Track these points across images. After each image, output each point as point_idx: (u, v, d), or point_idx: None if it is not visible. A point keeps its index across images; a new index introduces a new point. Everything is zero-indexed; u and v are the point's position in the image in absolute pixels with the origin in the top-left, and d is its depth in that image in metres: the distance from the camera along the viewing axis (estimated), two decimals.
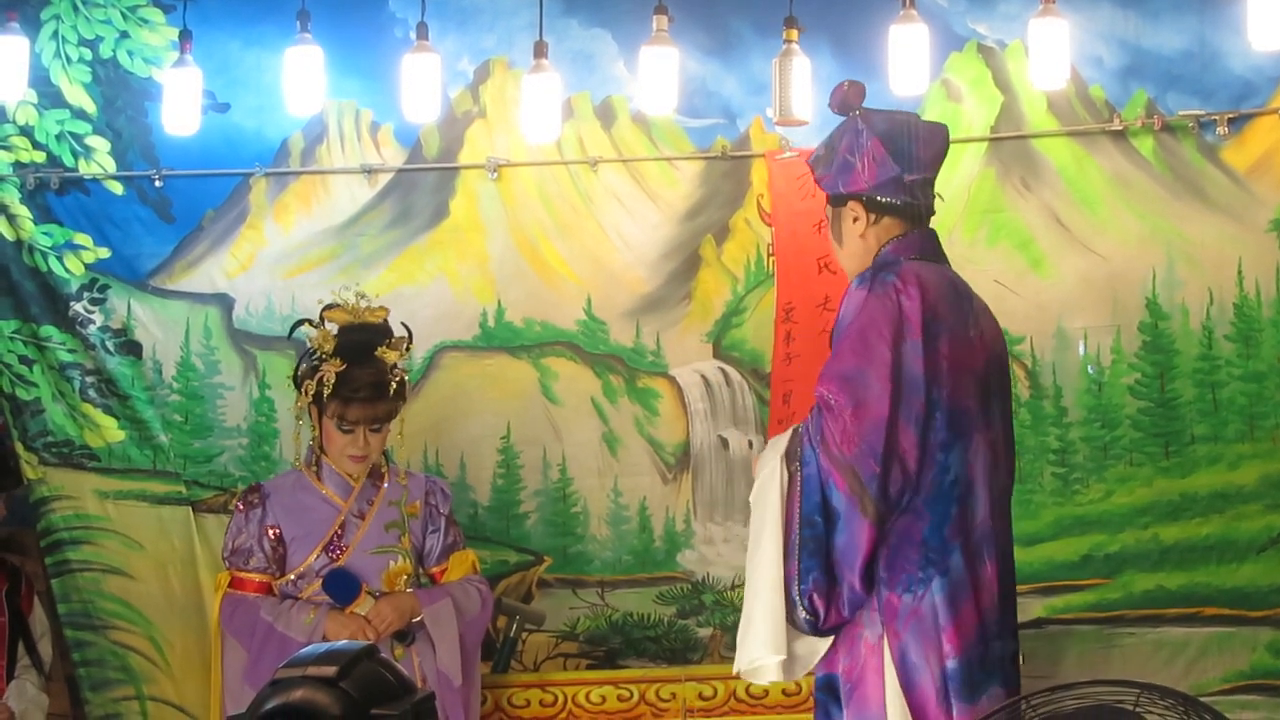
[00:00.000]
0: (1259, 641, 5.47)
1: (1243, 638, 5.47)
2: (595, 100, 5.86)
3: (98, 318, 5.88)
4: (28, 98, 5.86)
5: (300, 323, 5.19)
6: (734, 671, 4.19)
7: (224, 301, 5.93)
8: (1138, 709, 3.02)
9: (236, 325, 5.91)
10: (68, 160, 5.91)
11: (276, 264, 5.92)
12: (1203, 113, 5.56)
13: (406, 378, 5.12)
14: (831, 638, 4.07)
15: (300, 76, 5.64)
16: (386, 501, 5.03)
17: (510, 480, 5.83)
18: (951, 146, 4.41)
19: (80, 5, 5.90)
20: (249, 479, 5.63)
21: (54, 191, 5.90)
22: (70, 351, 5.87)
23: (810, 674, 4.19)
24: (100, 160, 5.92)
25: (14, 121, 5.89)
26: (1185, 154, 5.59)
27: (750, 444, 5.75)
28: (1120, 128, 5.60)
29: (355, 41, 5.85)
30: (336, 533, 4.98)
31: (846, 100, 4.29)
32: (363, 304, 5.07)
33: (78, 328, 5.87)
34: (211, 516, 5.81)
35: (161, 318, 5.92)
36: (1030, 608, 5.35)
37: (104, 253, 5.91)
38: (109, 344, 5.88)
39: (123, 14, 5.91)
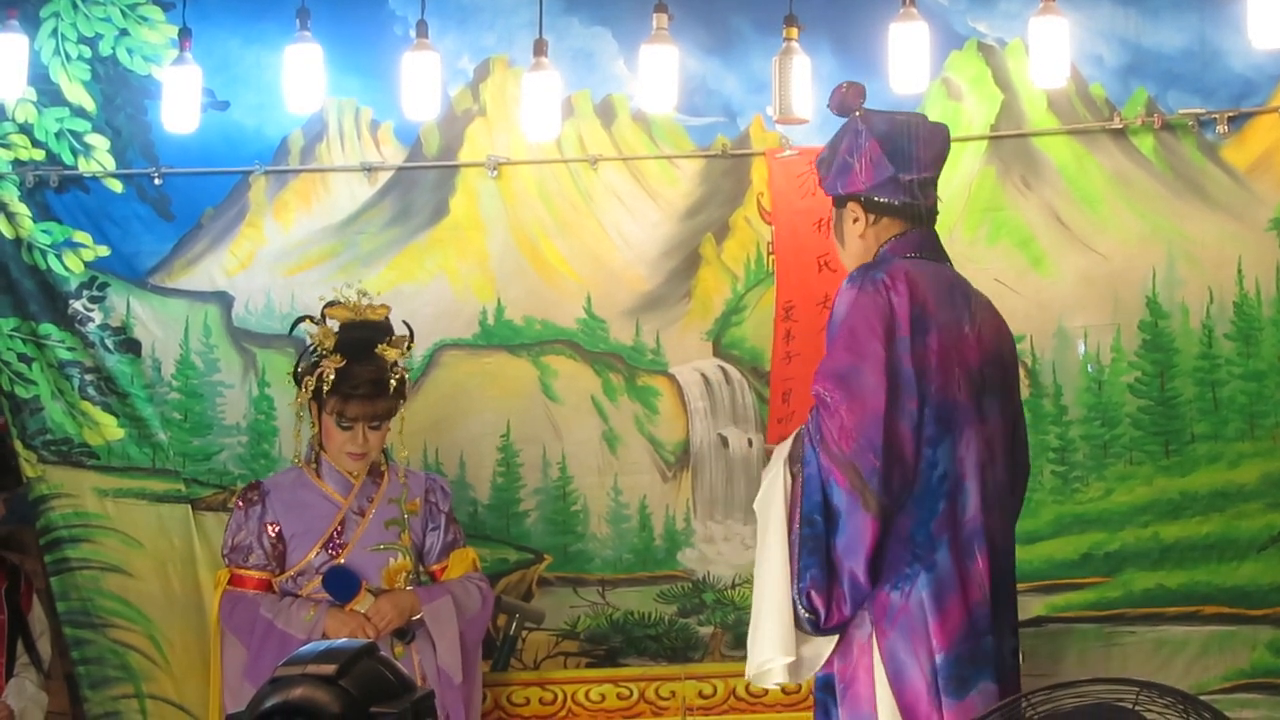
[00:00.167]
0: (1259, 640, 5.46)
1: (1243, 636, 5.47)
2: (595, 98, 5.86)
3: (97, 315, 5.88)
4: (27, 95, 5.85)
5: (301, 319, 5.19)
6: (746, 677, 4.19)
7: (223, 299, 5.92)
8: (1138, 707, 3.02)
9: (236, 323, 5.91)
10: (67, 158, 5.90)
11: (276, 262, 5.92)
12: (1203, 111, 5.56)
13: (407, 376, 5.12)
14: (835, 638, 4.07)
15: (300, 74, 5.64)
16: (386, 499, 5.03)
17: (510, 478, 5.83)
18: (952, 145, 4.41)
19: (80, 3, 5.90)
20: (248, 477, 5.63)
21: (53, 189, 5.90)
22: (69, 349, 5.87)
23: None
24: (100, 158, 5.91)
25: (13, 119, 5.89)
26: (1185, 152, 5.59)
27: (750, 442, 5.75)
28: (1120, 126, 5.60)
29: (355, 39, 5.85)
30: (336, 530, 4.99)
31: (845, 102, 4.30)
32: (364, 301, 5.07)
33: (77, 325, 5.87)
34: (211, 514, 5.81)
35: (161, 315, 5.92)
36: (1030, 606, 5.35)
37: (103, 250, 5.91)
38: (108, 342, 5.87)
39: (122, 11, 5.91)
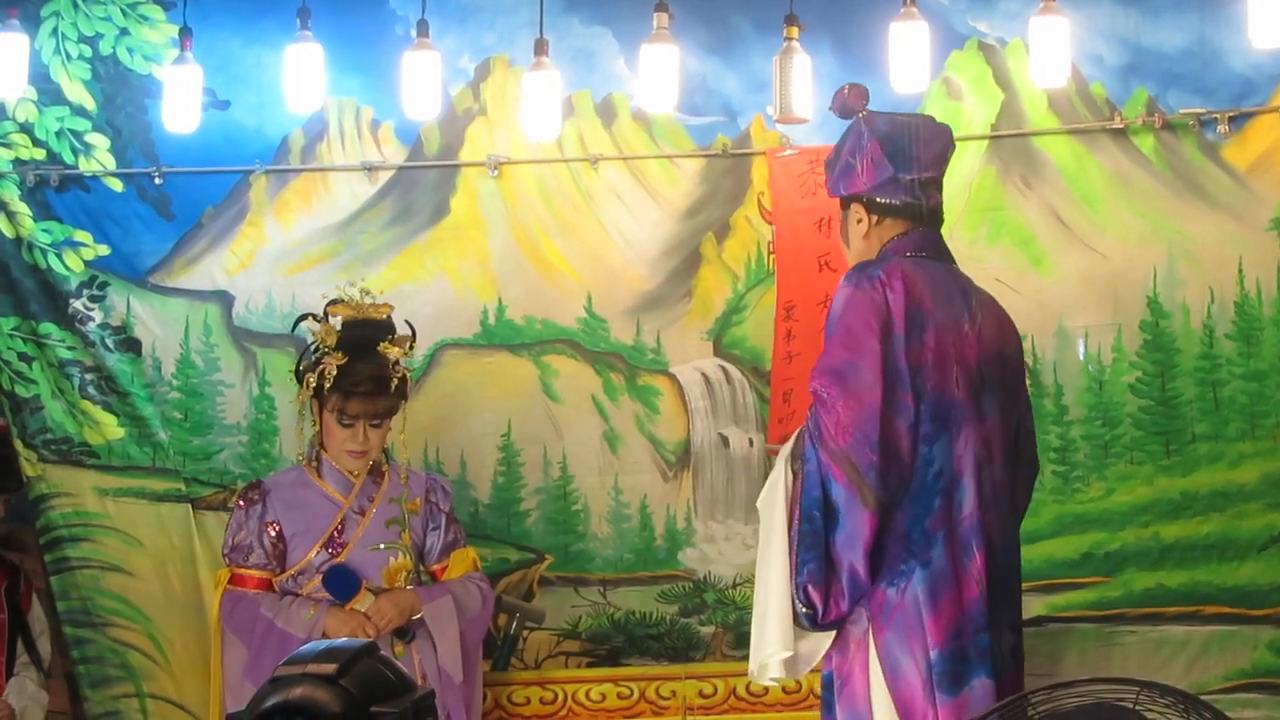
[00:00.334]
0: (1260, 640, 5.46)
1: (1244, 636, 5.47)
2: (596, 98, 5.86)
3: (97, 315, 5.88)
4: (27, 95, 5.85)
5: (304, 317, 5.20)
6: (749, 674, 4.20)
7: (224, 299, 5.92)
8: (1138, 707, 3.02)
9: (236, 322, 5.91)
10: (67, 157, 5.90)
11: (276, 261, 5.92)
12: (1203, 111, 5.56)
13: (409, 375, 5.13)
14: (833, 634, 4.08)
15: (301, 73, 5.64)
16: (387, 498, 5.04)
17: (511, 478, 5.83)
18: None
19: (80, 2, 5.90)
20: (248, 476, 5.63)
21: (54, 188, 5.89)
22: (70, 349, 5.87)
23: (815, 670, 4.20)
24: (100, 157, 5.91)
25: (14, 118, 5.89)
26: (1186, 152, 5.59)
27: (751, 442, 5.75)
28: (1121, 126, 5.60)
29: (356, 39, 5.85)
30: (337, 529, 4.99)
31: (847, 104, 4.32)
32: (367, 300, 5.08)
33: (77, 325, 5.87)
34: (211, 514, 5.81)
35: (161, 315, 5.92)
36: (1031, 605, 5.33)
37: (103, 250, 5.91)
38: (108, 341, 5.87)
39: (123, 11, 5.91)
